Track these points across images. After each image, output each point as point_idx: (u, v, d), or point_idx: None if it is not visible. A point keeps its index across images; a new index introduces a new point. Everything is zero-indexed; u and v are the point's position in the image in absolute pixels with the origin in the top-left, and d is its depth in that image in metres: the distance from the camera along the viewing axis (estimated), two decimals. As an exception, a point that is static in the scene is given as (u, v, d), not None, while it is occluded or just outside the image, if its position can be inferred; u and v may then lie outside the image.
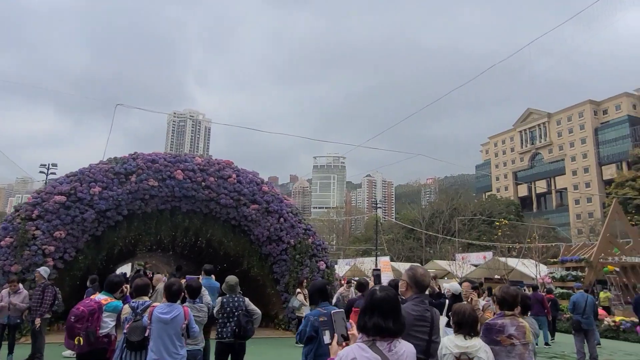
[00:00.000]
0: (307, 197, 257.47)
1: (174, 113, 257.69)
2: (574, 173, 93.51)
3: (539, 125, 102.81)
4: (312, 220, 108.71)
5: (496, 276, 27.40)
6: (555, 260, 23.97)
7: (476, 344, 3.52)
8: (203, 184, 13.39)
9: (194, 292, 5.39)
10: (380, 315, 2.39)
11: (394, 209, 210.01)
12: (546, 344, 14.05)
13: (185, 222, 13.47)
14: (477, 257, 41.56)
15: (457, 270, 32.88)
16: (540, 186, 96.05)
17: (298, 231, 14.05)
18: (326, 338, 2.68)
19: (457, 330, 3.63)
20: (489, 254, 38.82)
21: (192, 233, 13.88)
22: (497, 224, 38.57)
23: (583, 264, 20.24)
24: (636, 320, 15.06)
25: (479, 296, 7.61)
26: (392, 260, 47.75)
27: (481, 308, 5.75)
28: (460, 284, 6.80)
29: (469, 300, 5.72)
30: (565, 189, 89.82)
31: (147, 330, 4.51)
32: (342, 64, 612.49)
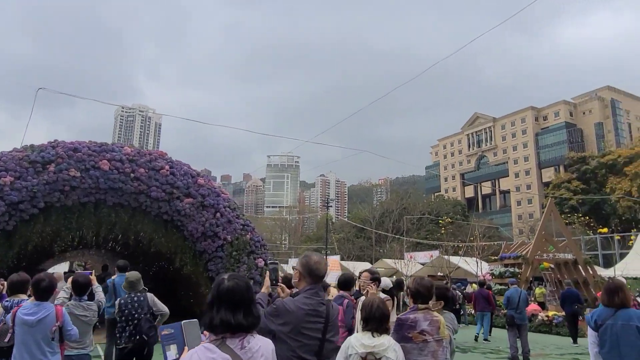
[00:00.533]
0: (261, 196, 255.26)
1: (122, 108, 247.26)
2: (517, 175, 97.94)
3: (485, 129, 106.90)
4: (264, 219, 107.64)
5: (439, 273, 27.87)
6: (495, 257, 24.62)
7: (384, 342, 3.12)
8: (132, 175, 12.44)
9: (81, 289, 4.69)
10: (229, 308, 1.98)
11: (346, 208, 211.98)
12: (485, 339, 14.25)
13: (111, 216, 12.45)
14: (425, 256, 42.30)
15: (402, 268, 33.22)
16: (486, 185, 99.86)
17: (235, 227, 13.36)
18: (171, 354, 2.20)
19: (365, 327, 3.22)
20: (435, 253, 39.63)
21: (118, 228, 12.89)
22: (441, 222, 39.45)
23: (520, 260, 20.82)
24: (568, 314, 15.55)
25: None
26: (342, 259, 47.85)
27: None
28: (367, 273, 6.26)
29: (365, 292, 5.16)
30: (509, 190, 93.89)
31: (8, 335, 3.79)
32: (298, 64, 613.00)
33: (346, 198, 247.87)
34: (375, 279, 5.29)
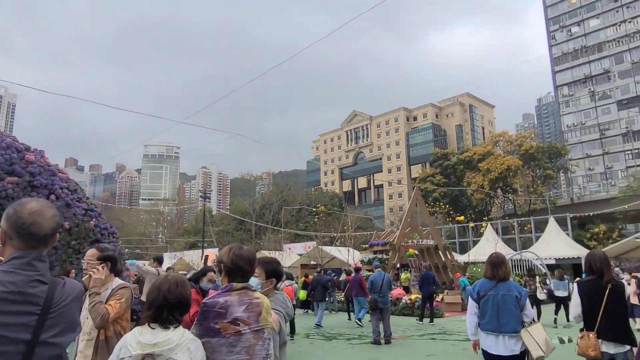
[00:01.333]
0: (136, 188, 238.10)
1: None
2: (389, 171, 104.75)
3: (362, 126, 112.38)
4: (138, 212, 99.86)
5: (312, 262, 27.94)
6: (366, 246, 25.34)
7: (172, 337, 2.17)
8: None
9: None
10: None
11: (228, 201, 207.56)
12: (358, 319, 14.22)
13: None
14: (303, 247, 42.63)
15: (281, 259, 32.82)
16: (362, 177, 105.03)
17: (75, 212, 11.37)
18: None
19: (145, 317, 2.25)
20: (313, 244, 40.07)
21: None
22: (314, 210, 40.01)
23: (388, 247, 21.59)
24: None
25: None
26: (220, 251, 46.15)
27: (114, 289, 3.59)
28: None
29: (86, 277, 3.54)
30: (382, 184, 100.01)
31: None
32: (178, 48, 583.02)
33: (228, 190, 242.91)
34: (105, 257, 3.62)
